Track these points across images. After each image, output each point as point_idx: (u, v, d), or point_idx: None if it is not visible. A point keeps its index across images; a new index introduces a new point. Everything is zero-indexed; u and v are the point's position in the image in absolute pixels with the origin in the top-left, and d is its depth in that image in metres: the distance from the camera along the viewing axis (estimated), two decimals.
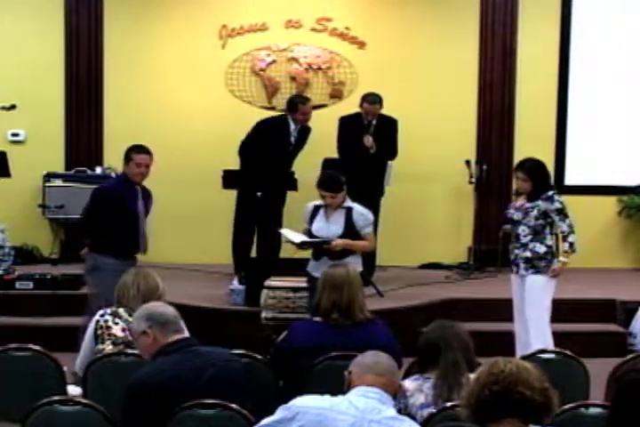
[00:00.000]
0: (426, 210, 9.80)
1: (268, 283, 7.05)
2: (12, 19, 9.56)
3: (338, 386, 3.78)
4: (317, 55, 9.77)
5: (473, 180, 9.51)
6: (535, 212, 6.66)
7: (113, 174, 8.98)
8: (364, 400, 3.59)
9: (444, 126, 9.66)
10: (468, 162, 9.50)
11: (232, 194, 8.74)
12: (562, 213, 6.66)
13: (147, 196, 6.79)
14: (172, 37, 9.67)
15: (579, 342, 7.00)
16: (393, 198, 8.98)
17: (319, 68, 9.78)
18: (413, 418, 3.90)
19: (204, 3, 9.68)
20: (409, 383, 4.17)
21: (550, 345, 6.32)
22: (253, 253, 8.66)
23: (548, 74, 9.83)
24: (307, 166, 8.54)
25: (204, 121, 9.60)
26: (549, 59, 9.82)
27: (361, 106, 8.64)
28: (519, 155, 8.99)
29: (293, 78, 9.77)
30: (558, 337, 6.69)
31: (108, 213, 6.56)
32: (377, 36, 9.72)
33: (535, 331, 6.61)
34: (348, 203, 6.57)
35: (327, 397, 3.63)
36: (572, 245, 6.68)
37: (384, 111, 8.67)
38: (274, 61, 9.77)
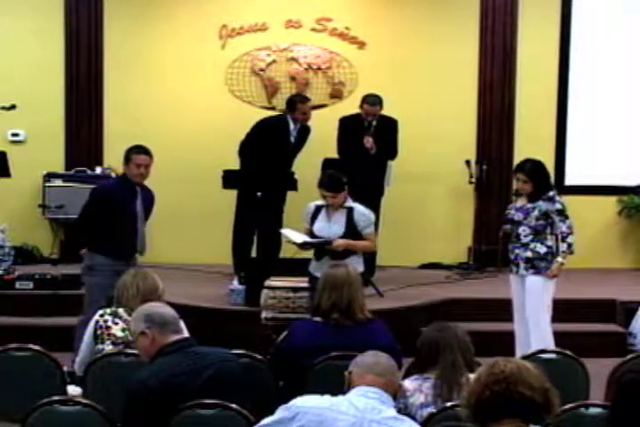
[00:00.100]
0: (426, 210, 9.80)
1: (268, 283, 7.05)
2: (11, 19, 9.55)
3: (338, 386, 3.78)
4: (317, 55, 9.76)
5: (473, 180, 9.51)
6: (536, 212, 6.67)
7: (113, 175, 8.98)
8: (364, 400, 3.59)
9: (444, 126, 9.66)
10: (468, 162, 9.51)
11: (232, 194, 8.74)
12: (562, 214, 6.68)
13: (149, 197, 6.78)
14: (172, 37, 9.67)
15: (579, 342, 7.00)
16: (393, 198, 8.99)
17: (319, 68, 9.78)
18: (413, 418, 3.90)
19: (204, 3, 9.68)
20: (409, 383, 4.17)
21: (551, 346, 6.32)
22: (253, 254, 8.67)
23: (548, 74, 9.82)
24: (307, 166, 8.55)
25: (204, 121, 9.59)
26: (549, 59, 9.81)
27: (361, 107, 8.64)
28: (519, 155, 9.00)
29: (293, 78, 9.76)
30: (558, 337, 6.70)
31: (105, 212, 6.54)
32: (377, 36, 9.72)
33: (536, 332, 6.61)
34: (350, 203, 6.57)
35: (327, 397, 3.63)
36: (570, 246, 6.69)
37: (384, 111, 8.68)
38: (274, 61, 9.77)
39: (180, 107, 9.61)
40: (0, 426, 4.61)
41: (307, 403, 3.60)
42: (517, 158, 8.58)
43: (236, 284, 7.78)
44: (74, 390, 4.89)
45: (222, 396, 3.95)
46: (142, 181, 6.67)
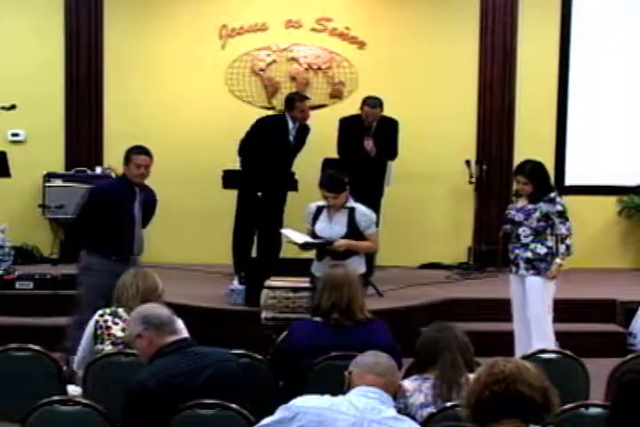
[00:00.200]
0: (426, 210, 9.80)
1: (268, 283, 7.04)
2: (11, 19, 9.55)
3: (338, 386, 3.79)
4: (317, 55, 9.76)
5: (473, 180, 9.51)
6: (537, 213, 6.67)
7: (113, 175, 8.98)
8: (364, 400, 3.59)
9: (444, 126, 9.65)
10: (468, 162, 9.50)
11: (232, 194, 8.74)
12: (563, 215, 6.68)
13: (150, 198, 6.77)
14: (172, 37, 9.67)
15: (579, 342, 7.00)
16: (393, 198, 8.99)
17: (319, 68, 9.78)
18: (413, 418, 3.90)
19: (204, 3, 9.68)
20: (408, 383, 4.17)
21: (553, 346, 6.31)
22: (253, 254, 8.67)
23: (548, 74, 9.82)
24: (307, 166, 8.55)
25: (204, 121, 9.59)
26: (549, 59, 9.81)
27: (362, 109, 8.63)
28: (519, 155, 9.00)
29: (293, 78, 9.76)
30: (558, 337, 6.70)
31: (103, 212, 6.51)
32: (377, 36, 9.72)
33: (538, 332, 6.61)
34: (351, 203, 6.57)
35: (327, 397, 3.63)
36: (568, 247, 6.70)
37: (384, 112, 8.67)
38: (274, 61, 9.77)
39: (180, 107, 9.61)
40: (0, 426, 4.61)
41: (307, 403, 3.60)
42: (517, 158, 8.59)
43: (236, 284, 7.78)
44: (74, 390, 4.90)
45: (222, 396, 3.95)
46: (142, 182, 6.66)
